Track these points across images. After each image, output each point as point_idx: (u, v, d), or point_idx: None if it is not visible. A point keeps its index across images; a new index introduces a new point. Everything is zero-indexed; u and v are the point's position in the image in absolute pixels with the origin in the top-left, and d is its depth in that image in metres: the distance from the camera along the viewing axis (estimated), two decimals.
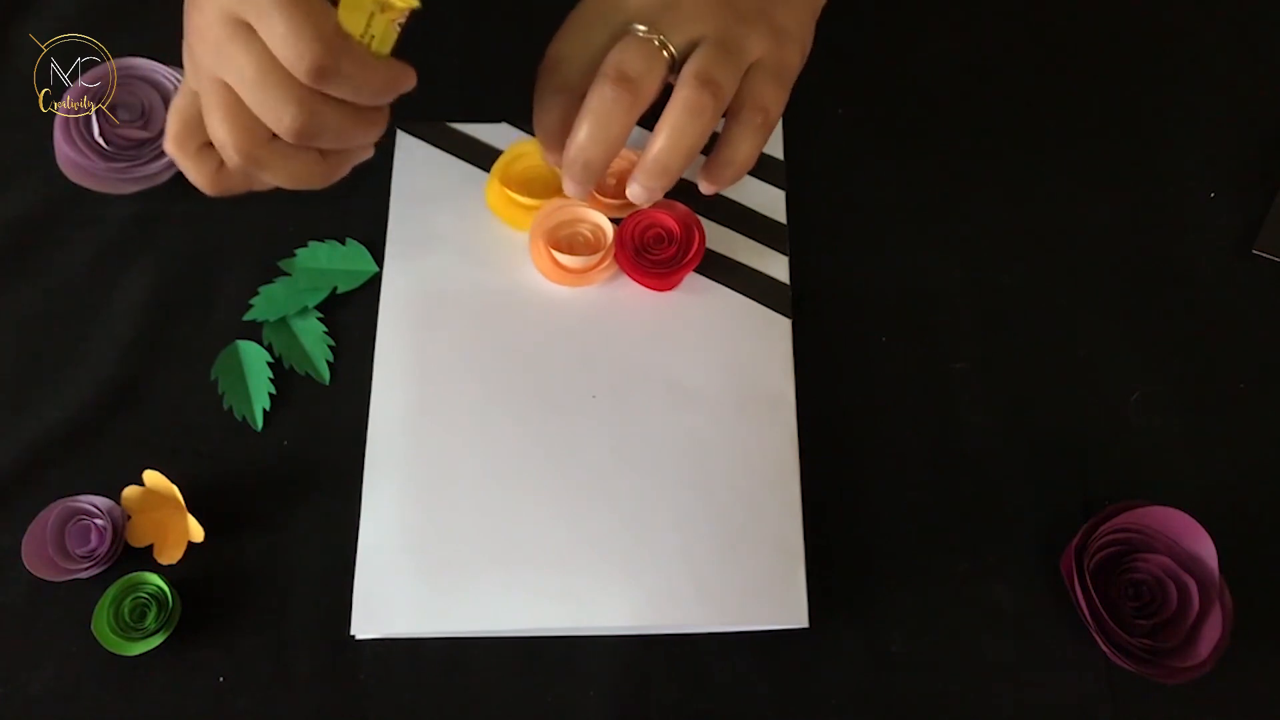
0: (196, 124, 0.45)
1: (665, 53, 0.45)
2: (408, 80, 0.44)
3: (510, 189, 0.55)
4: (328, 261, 0.56)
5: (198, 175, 0.47)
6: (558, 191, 0.54)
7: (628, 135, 0.45)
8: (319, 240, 0.57)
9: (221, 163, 0.46)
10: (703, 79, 0.44)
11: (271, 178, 0.44)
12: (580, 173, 0.47)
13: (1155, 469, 0.52)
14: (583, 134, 0.45)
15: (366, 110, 0.43)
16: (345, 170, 0.46)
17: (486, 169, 0.57)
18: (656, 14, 0.45)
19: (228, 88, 0.42)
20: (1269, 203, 0.57)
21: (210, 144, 0.45)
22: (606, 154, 0.46)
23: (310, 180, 0.45)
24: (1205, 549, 0.48)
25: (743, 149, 0.47)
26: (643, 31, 0.45)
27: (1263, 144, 0.58)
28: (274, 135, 0.42)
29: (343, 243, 0.57)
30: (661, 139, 0.45)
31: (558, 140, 0.47)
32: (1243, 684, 0.48)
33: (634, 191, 0.47)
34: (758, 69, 0.46)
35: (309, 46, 0.40)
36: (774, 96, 0.46)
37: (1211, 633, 0.46)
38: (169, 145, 0.46)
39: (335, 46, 0.40)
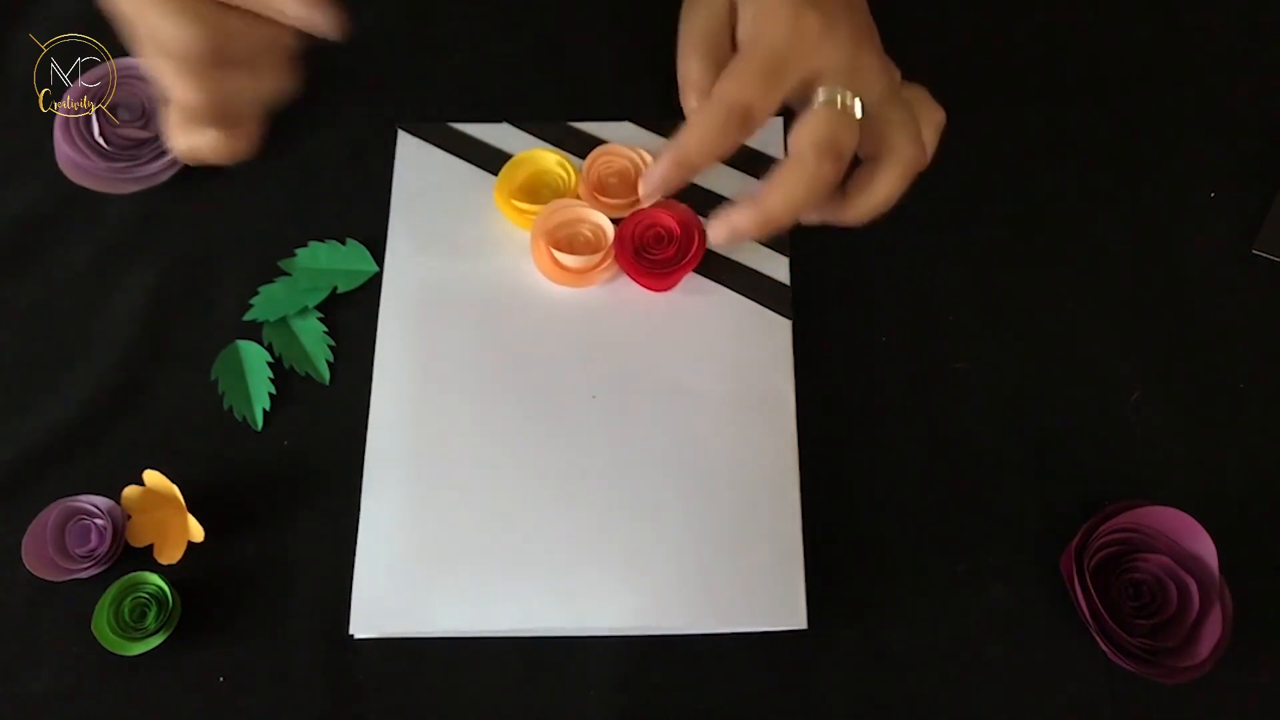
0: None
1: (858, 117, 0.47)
2: None
3: (516, 199, 0.55)
4: (328, 261, 0.56)
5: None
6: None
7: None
8: (319, 240, 0.57)
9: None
10: (914, 156, 0.48)
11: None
12: (758, 228, 0.48)
13: (1155, 469, 0.52)
14: (783, 197, 0.47)
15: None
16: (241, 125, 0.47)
17: (487, 169, 0.57)
18: (848, 75, 0.46)
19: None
20: (1269, 203, 0.57)
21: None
22: (794, 217, 0.48)
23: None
24: (1205, 549, 0.48)
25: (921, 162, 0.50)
26: (846, 100, 0.46)
27: (1263, 144, 0.58)
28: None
29: (343, 243, 0.57)
30: (880, 195, 0.49)
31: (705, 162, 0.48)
32: (1243, 684, 0.48)
33: (726, 228, 0.49)
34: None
35: None
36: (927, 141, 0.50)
37: (1211, 633, 0.46)
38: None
39: None
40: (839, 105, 0.46)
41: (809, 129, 0.46)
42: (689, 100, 0.50)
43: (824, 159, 0.45)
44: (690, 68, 0.50)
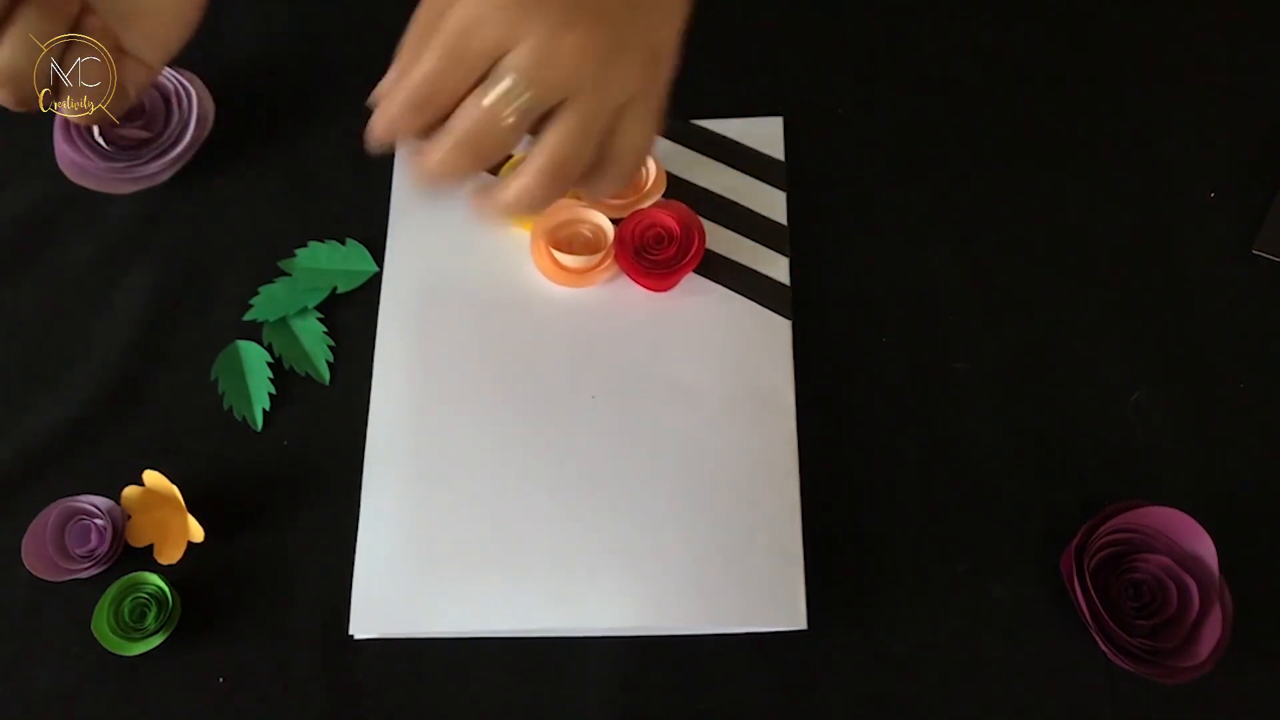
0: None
1: (523, 117, 0.41)
2: None
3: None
4: (328, 261, 0.56)
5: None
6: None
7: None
8: (319, 240, 0.57)
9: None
10: (557, 160, 0.41)
11: None
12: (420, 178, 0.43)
13: (1155, 469, 0.52)
14: (427, 164, 0.42)
15: None
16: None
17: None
18: (535, 59, 0.40)
19: None
20: (1269, 203, 0.57)
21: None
22: (462, 172, 0.43)
23: None
24: (1205, 549, 0.48)
25: (614, 184, 0.44)
26: (514, 96, 0.40)
27: (1263, 144, 0.58)
28: None
29: (343, 243, 0.57)
30: (514, 190, 0.43)
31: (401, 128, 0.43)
32: (1243, 684, 0.48)
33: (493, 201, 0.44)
34: (631, 110, 0.42)
35: None
36: (650, 138, 0.43)
37: (1211, 633, 0.46)
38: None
39: None
40: (493, 96, 0.40)
41: (461, 109, 0.41)
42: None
43: (465, 149, 0.41)
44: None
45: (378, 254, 0.56)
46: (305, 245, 0.57)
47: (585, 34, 0.40)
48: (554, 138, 0.41)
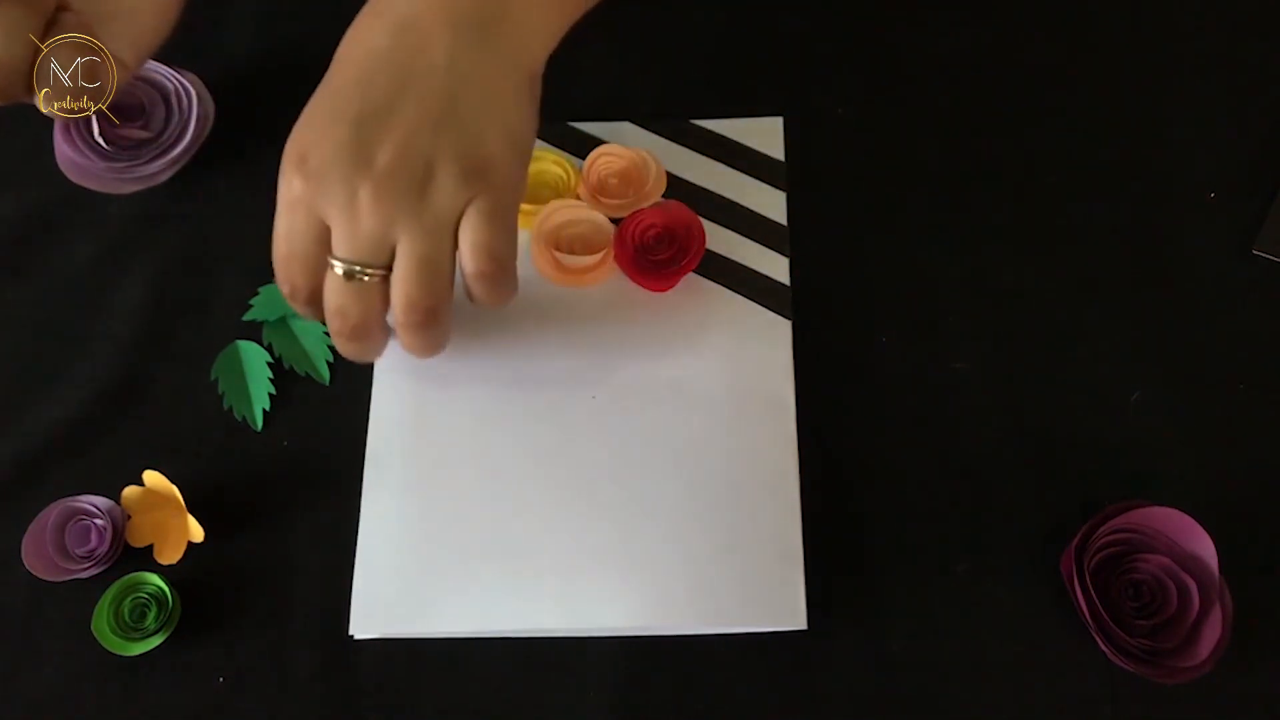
0: None
1: (372, 280, 0.42)
2: None
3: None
4: None
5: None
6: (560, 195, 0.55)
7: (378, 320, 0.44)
8: None
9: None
10: (410, 302, 0.42)
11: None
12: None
13: (1155, 469, 0.52)
14: (340, 345, 0.45)
15: None
16: None
17: None
18: (349, 245, 0.41)
19: None
20: (1269, 203, 0.57)
21: None
22: (369, 351, 0.46)
23: None
24: (1205, 549, 0.48)
25: (497, 298, 0.45)
26: (342, 269, 0.42)
27: (1263, 144, 0.58)
28: None
29: None
30: (405, 345, 0.44)
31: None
32: (1243, 684, 0.48)
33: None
34: (467, 219, 0.42)
35: None
36: (498, 238, 0.43)
37: (1211, 633, 0.46)
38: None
39: None
40: (338, 274, 0.42)
41: (324, 289, 0.43)
42: None
43: (339, 332, 0.43)
44: None
45: None
46: None
47: (375, 189, 0.40)
48: (396, 284, 0.42)
